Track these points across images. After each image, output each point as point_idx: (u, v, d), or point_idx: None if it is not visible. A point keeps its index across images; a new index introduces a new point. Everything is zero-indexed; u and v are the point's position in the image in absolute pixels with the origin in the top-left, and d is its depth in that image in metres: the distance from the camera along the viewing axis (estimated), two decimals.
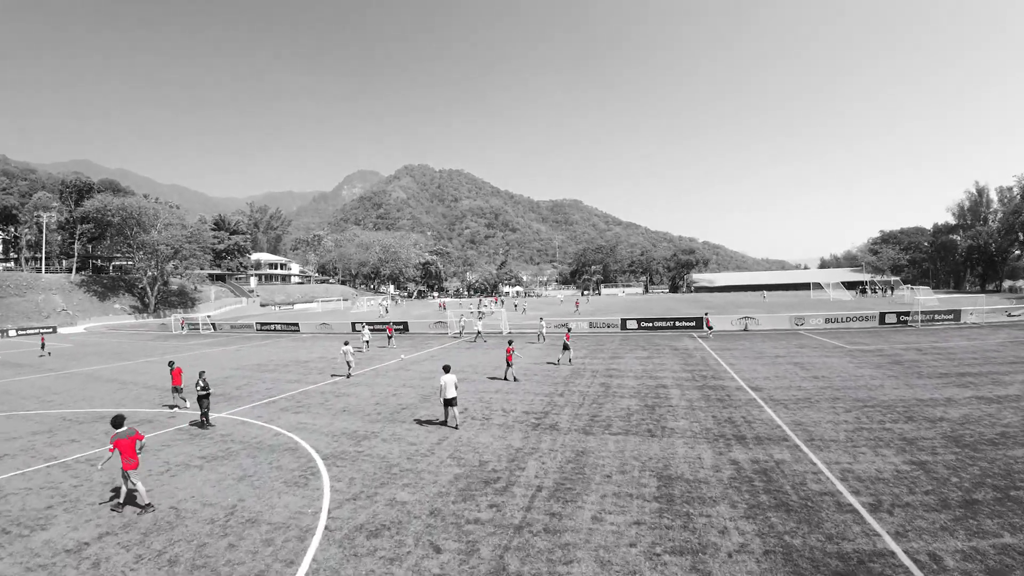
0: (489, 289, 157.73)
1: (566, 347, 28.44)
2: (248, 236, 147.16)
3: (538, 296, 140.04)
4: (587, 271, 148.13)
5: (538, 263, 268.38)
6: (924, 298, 68.41)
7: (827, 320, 44.60)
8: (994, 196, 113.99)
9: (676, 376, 24.28)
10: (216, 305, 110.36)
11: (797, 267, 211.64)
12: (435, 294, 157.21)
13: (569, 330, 32.18)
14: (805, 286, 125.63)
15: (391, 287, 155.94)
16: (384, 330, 45.19)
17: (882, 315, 44.67)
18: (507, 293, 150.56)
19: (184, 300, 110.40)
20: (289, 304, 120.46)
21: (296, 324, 58.48)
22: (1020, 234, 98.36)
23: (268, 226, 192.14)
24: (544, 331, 38.60)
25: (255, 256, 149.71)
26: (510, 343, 25.19)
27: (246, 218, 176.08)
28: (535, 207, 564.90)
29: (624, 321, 44.94)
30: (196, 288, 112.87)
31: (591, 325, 45.37)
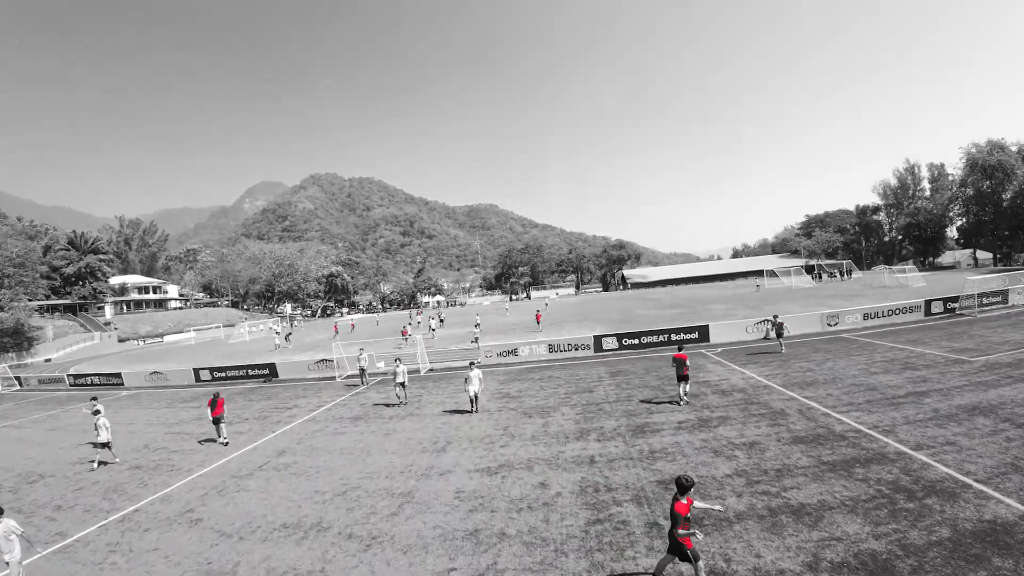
0: (407, 300, 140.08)
1: (683, 378, 18.24)
2: (110, 256, 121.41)
3: (462, 305, 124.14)
4: (514, 273, 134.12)
5: (458, 269, 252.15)
6: (914, 278, 60.05)
7: (865, 316, 32.91)
8: (925, 173, 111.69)
9: (885, 534, 10.14)
10: (57, 345, 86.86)
11: (710, 258, 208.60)
12: (344, 310, 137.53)
13: (680, 348, 19.10)
14: (745, 274, 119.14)
15: (288, 306, 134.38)
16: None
17: (928, 303, 33.89)
18: (427, 303, 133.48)
19: (19, 341, 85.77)
20: (157, 336, 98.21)
21: (119, 375, 40.10)
22: (972, 207, 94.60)
23: (142, 243, 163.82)
24: (477, 388, 19.24)
25: (119, 279, 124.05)
26: (683, 487, 7.86)
27: (115, 234, 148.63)
28: (451, 213, 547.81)
29: (599, 339, 30.78)
30: (24, 324, 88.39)
31: (551, 348, 30.85)
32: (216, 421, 19.12)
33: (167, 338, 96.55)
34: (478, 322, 50.42)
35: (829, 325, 32.30)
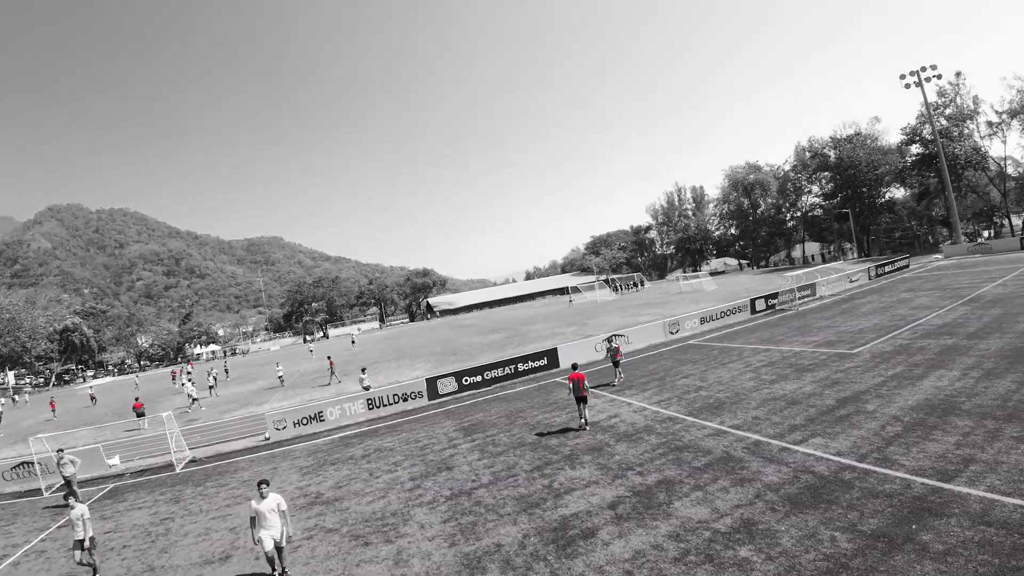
0: (173, 354, 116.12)
1: (582, 400, 15.64)
2: None
3: (244, 353, 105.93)
4: (307, 311, 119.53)
5: (238, 311, 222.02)
6: (707, 282, 64.13)
7: (702, 320, 31.80)
8: (688, 195, 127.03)
9: None
10: None
11: (506, 282, 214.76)
12: (88, 374, 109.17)
13: (575, 367, 16.67)
14: (544, 293, 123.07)
15: (9, 375, 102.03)
16: None
17: (753, 302, 34.40)
18: (199, 356, 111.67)
19: None
20: None
21: None
22: (734, 220, 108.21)
23: None
24: (278, 535, 9.68)
25: None
26: None
27: None
28: (227, 248, 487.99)
29: (433, 383, 24.07)
30: None
31: (371, 404, 23.25)
32: None
33: None
34: (280, 372, 39.16)
35: (671, 333, 30.20)
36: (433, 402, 23.18)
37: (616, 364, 21.46)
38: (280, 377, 38.34)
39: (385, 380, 31.34)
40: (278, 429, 22.00)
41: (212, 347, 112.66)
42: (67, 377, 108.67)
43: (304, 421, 22.21)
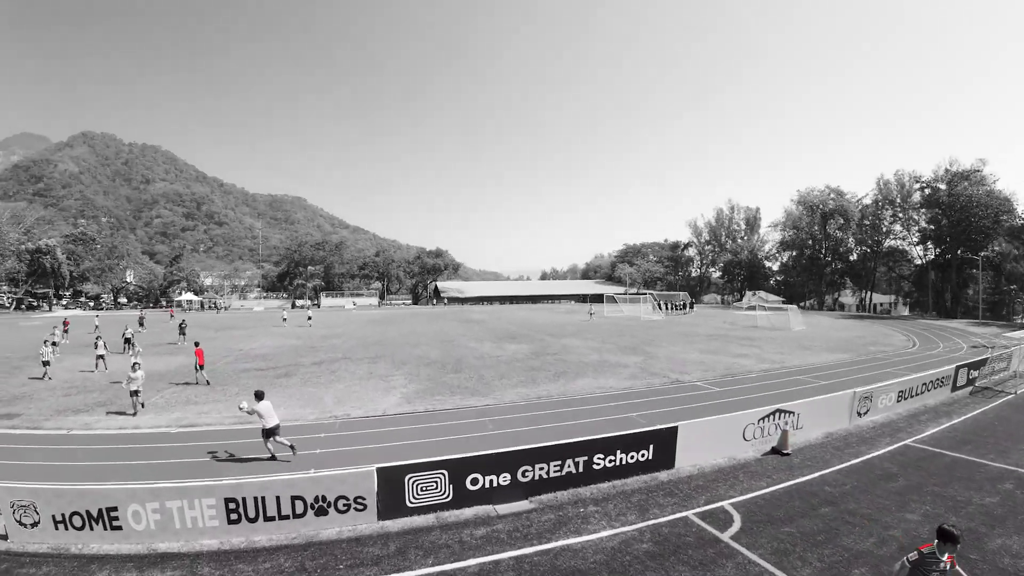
0: (157, 296, 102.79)
1: None
2: None
3: (218, 309, 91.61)
4: (301, 273, 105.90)
5: (232, 262, 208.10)
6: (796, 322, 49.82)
7: (900, 396, 17.95)
8: (741, 215, 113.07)
9: None
10: None
11: (519, 279, 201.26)
12: (63, 303, 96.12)
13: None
14: (565, 297, 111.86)
15: None
16: None
17: (957, 372, 20.53)
18: (178, 304, 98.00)
19: None
20: None
21: None
22: (793, 252, 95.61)
23: None
24: None
25: None
26: None
27: None
28: (250, 200, 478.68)
29: (397, 479, 10.50)
30: None
31: (232, 511, 9.49)
32: None
33: None
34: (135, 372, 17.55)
35: (859, 413, 16.47)
36: (386, 525, 9.54)
37: None
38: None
39: (333, 404, 17.88)
40: (23, 524, 8.83)
41: (189, 296, 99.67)
42: (31, 303, 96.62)
43: (77, 521, 8.88)
